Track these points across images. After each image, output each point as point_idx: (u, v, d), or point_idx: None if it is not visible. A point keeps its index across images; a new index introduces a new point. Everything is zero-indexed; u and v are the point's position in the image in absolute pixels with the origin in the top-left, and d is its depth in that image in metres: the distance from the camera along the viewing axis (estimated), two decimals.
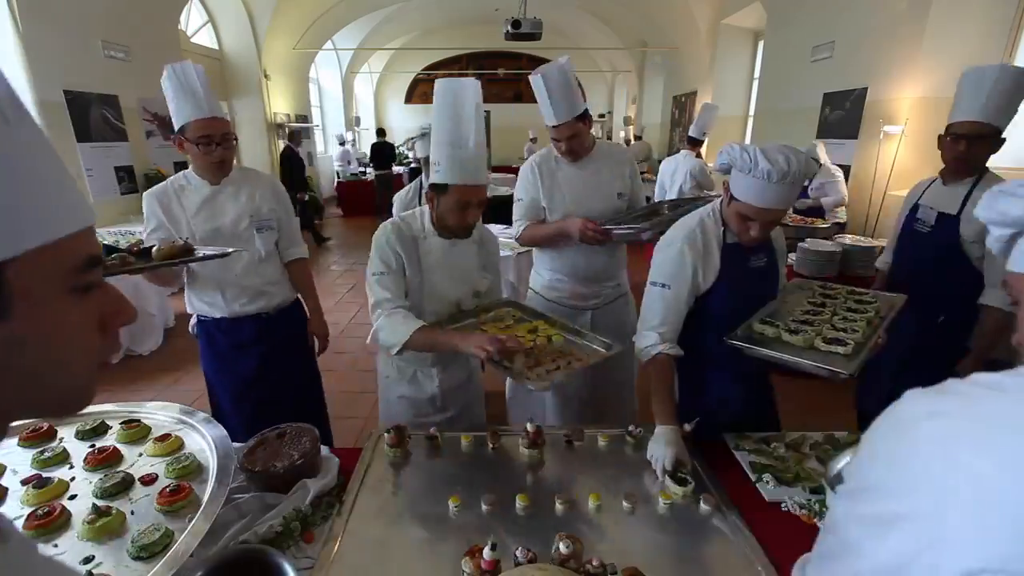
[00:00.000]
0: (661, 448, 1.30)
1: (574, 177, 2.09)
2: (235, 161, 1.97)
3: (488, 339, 1.36)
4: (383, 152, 9.90)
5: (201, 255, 1.70)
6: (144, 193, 1.91)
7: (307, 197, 7.78)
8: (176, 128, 1.81)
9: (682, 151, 4.60)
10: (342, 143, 11.52)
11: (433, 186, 1.51)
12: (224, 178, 1.91)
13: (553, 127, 1.99)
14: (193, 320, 2.07)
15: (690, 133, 4.63)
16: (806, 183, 4.25)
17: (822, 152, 4.43)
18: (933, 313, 1.97)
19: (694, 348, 1.52)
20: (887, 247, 2.39)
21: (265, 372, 2.04)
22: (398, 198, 2.93)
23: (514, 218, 2.17)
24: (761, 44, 7.06)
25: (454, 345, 1.43)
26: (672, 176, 4.59)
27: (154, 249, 1.64)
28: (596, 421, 1.60)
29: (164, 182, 1.93)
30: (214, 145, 1.80)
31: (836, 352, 1.32)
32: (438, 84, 1.47)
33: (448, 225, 1.56)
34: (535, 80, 1.96)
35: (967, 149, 1.90)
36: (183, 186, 1.90)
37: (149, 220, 1.89)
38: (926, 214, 2.05)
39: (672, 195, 4.44)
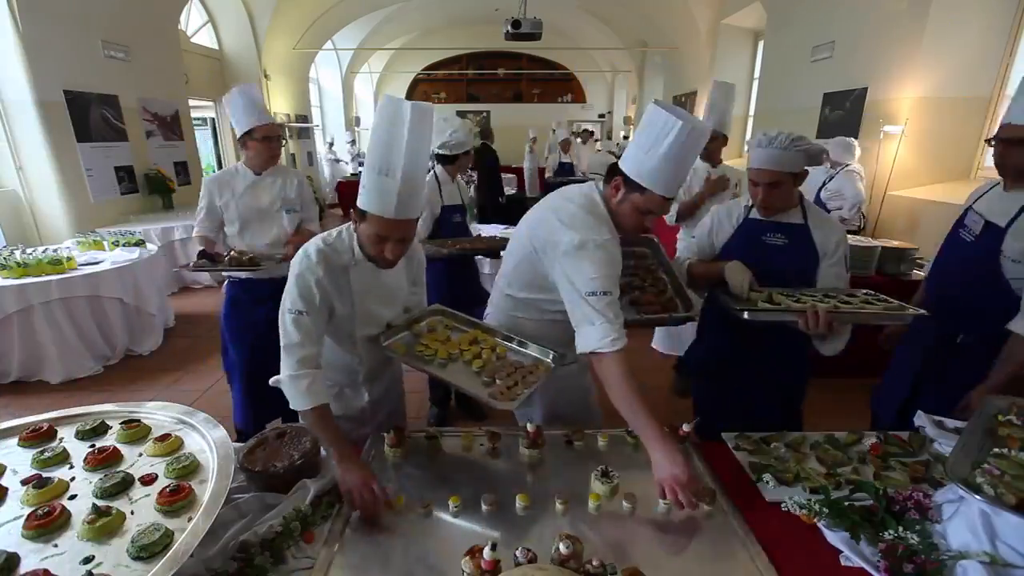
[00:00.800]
0: (741, 271, 1.66)
1: None
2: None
3: (363, 483, 1.19)
4: None
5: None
6: (204, 179, 2.51)
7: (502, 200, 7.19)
8: (242, 131, 2.38)
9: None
10: (331, 144, 11.43)
11: (355, 208, 1.37)
12: (266, 171, 2.47)
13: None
14: (225, 283, 2.63)
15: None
16: (831, 185, 4.05)
17: (857, 150, 4.14)
18: (956, 329, 1.77)
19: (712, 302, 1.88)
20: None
21: (273, 324, 2.39)
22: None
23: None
24: (761, 44, 7.06)
25: (334, 457, 1.28)
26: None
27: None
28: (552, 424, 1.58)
29: (221, 171, 2.57)
30: (274, 142, 2.43)
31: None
32: (382, 99, 1.30)
33: (366, 253, 1.42)
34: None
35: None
36: (234, 175, 2.47)
37: (201, 204, 2.48)
38: (973, 221, 1.79)
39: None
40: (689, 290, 1.94)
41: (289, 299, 1.37)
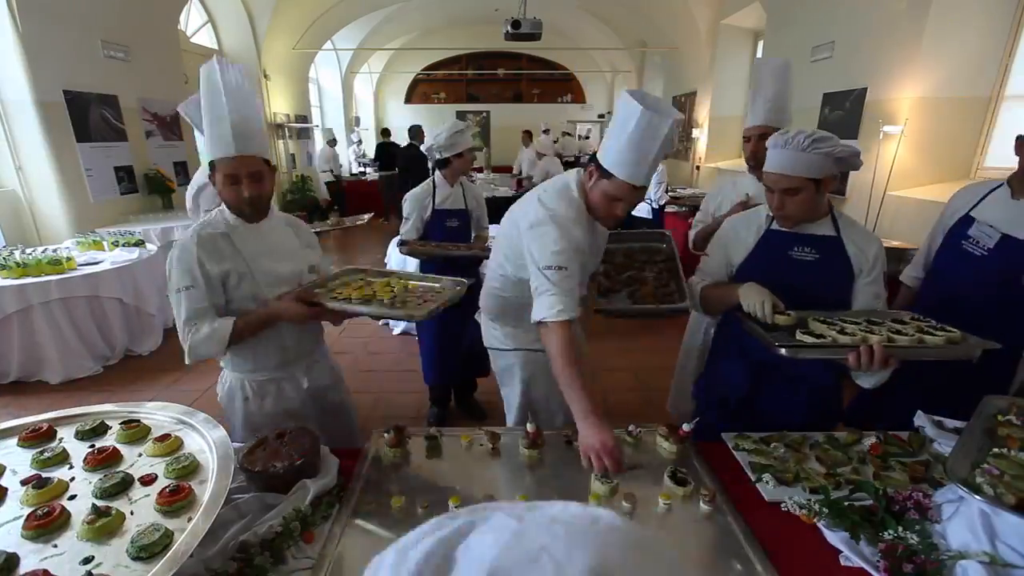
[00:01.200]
0: (756, 292, 1.45)
1: None
2: None
3: (295, 298, 1.51)
4: (388, 152, 9.69)
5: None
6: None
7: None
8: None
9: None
10: (332, 143, 11.16)
11: (210, 165, 1.50)
12: None
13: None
14: None
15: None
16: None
17: None
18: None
19: (725, 327, 1.72)
20: (916, 260, 2.02)
21: None
22: (413, 196, 2.87)
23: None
24: (761, 44, 7.06)
25: (274, 315, 1.52)
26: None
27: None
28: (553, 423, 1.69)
29: None
30: None
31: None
32: (201, 70, 1.46)
33: (230, 204, 1.53)
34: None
35: None
36: None
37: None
38: (983, 233, 1.65)
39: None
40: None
41: (174, 278, 1.48)
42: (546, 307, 1.41)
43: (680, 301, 1.69)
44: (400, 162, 8.24)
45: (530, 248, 1.50)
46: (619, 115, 1.42)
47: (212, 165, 1.47)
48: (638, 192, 1.48)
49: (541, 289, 1.45)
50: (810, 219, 1.53)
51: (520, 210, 1.62)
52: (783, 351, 1.30)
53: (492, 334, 1.87)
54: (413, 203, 2.85)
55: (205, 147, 1.49)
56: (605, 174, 1.46)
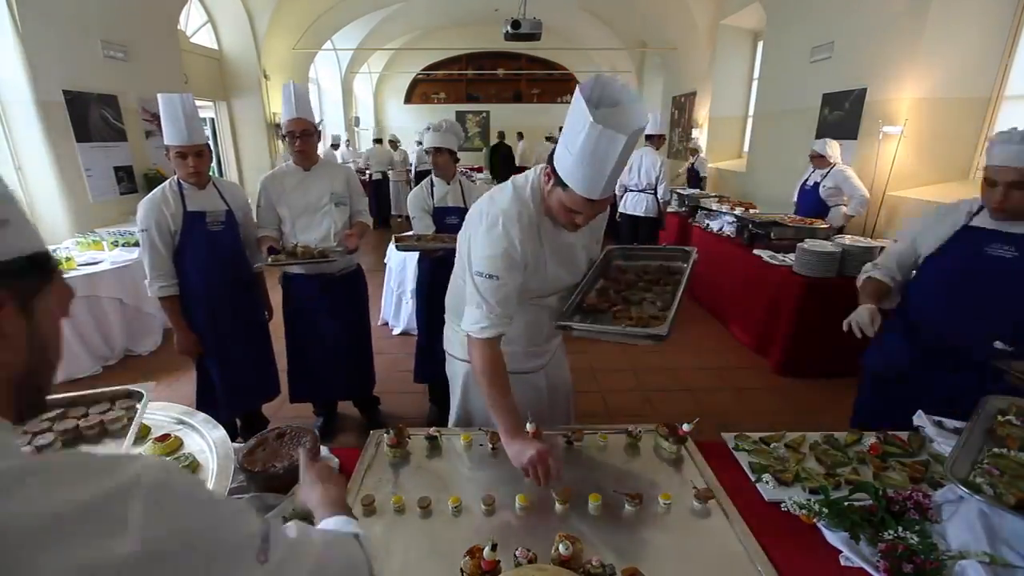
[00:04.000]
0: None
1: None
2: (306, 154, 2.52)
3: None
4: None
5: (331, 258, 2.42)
6: (262, 178, 2.55)
7: None
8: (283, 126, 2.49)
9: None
10: (335, 146, 10.64)
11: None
12: (313, 166, 2.53)
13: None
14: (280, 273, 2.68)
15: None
16: (826, 183, 4.18)
17: (835, 149, 4.29)
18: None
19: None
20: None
21: (328, 319, 2.68)
22: (413, 196, 2.96)
23: None
24: (760, 44, 7.06)
25: None
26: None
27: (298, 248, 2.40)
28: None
29: (274, 169, 2.61)
30: (296, 139, 2.43)
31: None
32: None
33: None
34: None
35: None
36: (284, 171, 2.55)
37: (260, 202, 2.54)
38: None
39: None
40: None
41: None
42: (471, 320, 1.32)
43: (657, 325, 1.38)
44: None
45: (471, 247, 1.38)
46: (570, 118, 1.21)
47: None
48: (598, 205, 1.29)
49: (470, 298, 1.34)
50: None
51: (476, 206, 1.46)
52: None
53: (449, 336, 1.70)
54: (414, 202, 2.92)
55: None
56: (560, 182, 1.27)
